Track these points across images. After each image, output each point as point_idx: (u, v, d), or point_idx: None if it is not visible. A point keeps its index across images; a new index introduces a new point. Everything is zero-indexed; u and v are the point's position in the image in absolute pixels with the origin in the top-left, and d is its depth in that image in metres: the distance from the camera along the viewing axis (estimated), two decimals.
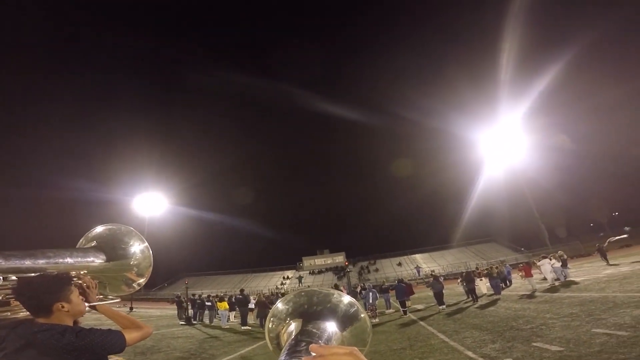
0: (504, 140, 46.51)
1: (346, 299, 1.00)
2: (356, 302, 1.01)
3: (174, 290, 42.81)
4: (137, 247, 2.07)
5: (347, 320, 0.96)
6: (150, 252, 2.11)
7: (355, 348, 0.53)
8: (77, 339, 1.42)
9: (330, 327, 0.90)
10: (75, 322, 1.66)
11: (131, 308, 27.57)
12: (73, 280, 1.64)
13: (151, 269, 2.10)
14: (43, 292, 1.46)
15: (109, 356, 1.57)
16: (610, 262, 20.15)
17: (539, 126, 47.11)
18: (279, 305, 1.02)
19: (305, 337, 0.81)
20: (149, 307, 33.38)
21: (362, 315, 0.98)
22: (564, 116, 48.79)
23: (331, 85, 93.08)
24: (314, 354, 0.56)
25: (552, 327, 7.44)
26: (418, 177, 64.16)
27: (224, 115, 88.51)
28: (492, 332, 8.04)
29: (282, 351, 0.74)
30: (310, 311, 0.96)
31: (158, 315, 23.82)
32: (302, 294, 1.02)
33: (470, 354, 6.44)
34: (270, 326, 1.00)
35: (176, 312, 19.19)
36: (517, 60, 51.34)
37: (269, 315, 1.02)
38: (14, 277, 1.50)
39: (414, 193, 62.60)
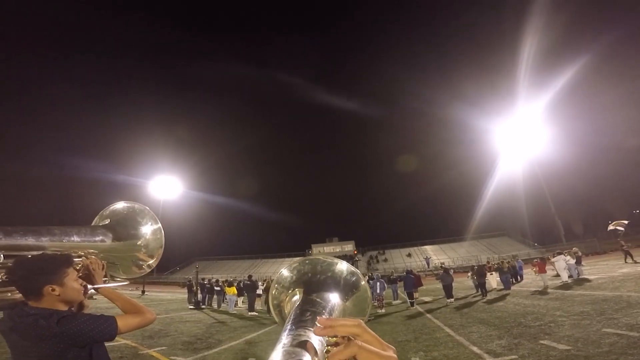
0: (521, 132, 45.41)
1: (347, 267, 1.00)
2: (357, 270, 1.00)
3: (185, 274, 43.67)
4: (149, 227, 2.00)
5: (348, 289, 0.96)
6: (162, 233, 2.04)
7: (361, 320, 0.52)
8: (57, 326, 1.35)
9: (333, 297, 0.90)
10: (81, 306, 1.61)
11: (143, 291, 28.17)
12: (73, 262, 1.56)
13: (162, 250, 2.04)
14: (34, 273, 1.38)
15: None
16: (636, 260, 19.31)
17: (558, 118, 45.82)
18: (284, 272, 1.02)
19: (310, 306, 0.81)
20: (160, 290, 34.09)
21: (362, 283, 0.98)
22: (584, 109, 47.32)
23: (345, 77, 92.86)
24: (321, 326, 0.55)
25: (561, 325, 7.30)
26: (431, 169, 63.67)
27: (238, 102, 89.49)
28: (499, 328, 7.95)
29: (287, 320, 0.73)
30: (314, 280, 0.97)
31: (169, 299, 24.30)
32: (307, 262, 1.03)
33: (475, 349, 6.37)
34: (274, 293, 1.01)
35: (187, 296, 19.61)
36: (536, 51, 49.74)
37: (274, 282, 1.02)
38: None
39: (426, 185, 62.16)
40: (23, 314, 1.37)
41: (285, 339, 0.60)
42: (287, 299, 0.97)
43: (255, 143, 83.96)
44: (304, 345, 0.55)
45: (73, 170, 56.99)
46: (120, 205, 2.03)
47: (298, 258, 1.08)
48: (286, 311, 0.94)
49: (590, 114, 46.71)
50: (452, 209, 59.24)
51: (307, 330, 0.62)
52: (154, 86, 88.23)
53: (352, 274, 0.99)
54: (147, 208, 2.04)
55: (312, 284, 0.95)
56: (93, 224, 1.97)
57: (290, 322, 0.70)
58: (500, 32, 61.79)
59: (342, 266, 0.99)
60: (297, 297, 0.93)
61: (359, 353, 0.46)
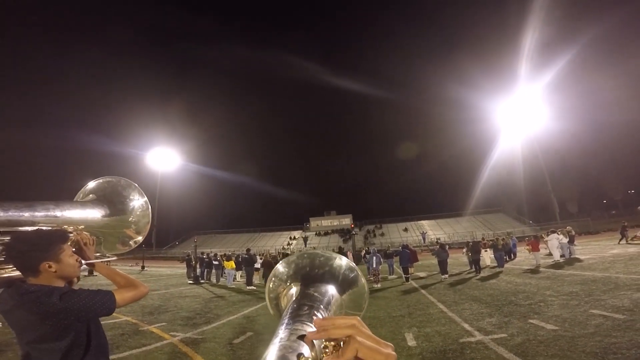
0: (521, 110, 45.14)
1: (347, 263, 0.99)
2: (356, 267, 1.00)
3: (184, 249, 44.09)
4: (137, 202, 1.95)
5: (346, 284, 0.96)
6: (150, 208, 1.99)
7: (358, 318, 0.52)
8: (60, 301, 1.36)
9: (331, 290, 0.90)
10: (70, 283, 1.60)
11: (143, 267, 28.39)
12: (69, 238, 1.56)
13: (149, 226, 1.99)
14: (30, 249, 1.39)
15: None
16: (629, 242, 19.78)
17: (557, 99, 45.41)
18: (280, 267, 1.01)
19: (307, 300, 0.80)
20: (159, 265, 34.34)
21: (361, 280, 0.98)
22: (583, 90, 46.82)
23: (347, 57, 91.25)
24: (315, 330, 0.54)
25: (550, 305, 7.51)
26: (431, 146, 63.69)
27: (238, 78, 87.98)
28: (491, 306, 8.16)
29: (284, 314, 0.73)
30: (311, 274, 0.96)
31: (168, 274, 24.47)
32: (305, 256, 1.02)
33: (466, 326, 6.55)
34: (270, 286, 1.00)
35: (186, 271, 19.81)
36: (538, 32, 48.59)
37: (270, 275, 1.02)
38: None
39: (426, 161, 62.42)
40: (24, 291, 1.37)
41: (282, 333, 0.59)
42: (284, 292, 0.96)
43: (255, 118, 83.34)
44: (301, 339, 0.55)
45: (72, 142, 56.68)
46: (104, 180, 1.98)
47: (296, 252, 1.07)
48: (283, 304, 0.93)
49: (588, 95, 46.32)
50: (450, 185, 59.81)
51: (304, 325, 0.61)
52: (155, 57, 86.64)
53: (351, 270, 0.98)
54: (133, 182, 1.99)
55: (310, 278, 0.94)
56: (75, 199, 1.92)
57: (287, 317, 0.69)
58: (502, 13, 60.16)
59: (341, 261, 0.99)
60: (294, 291, 0.92)
61: (360, 349, 0.46)
